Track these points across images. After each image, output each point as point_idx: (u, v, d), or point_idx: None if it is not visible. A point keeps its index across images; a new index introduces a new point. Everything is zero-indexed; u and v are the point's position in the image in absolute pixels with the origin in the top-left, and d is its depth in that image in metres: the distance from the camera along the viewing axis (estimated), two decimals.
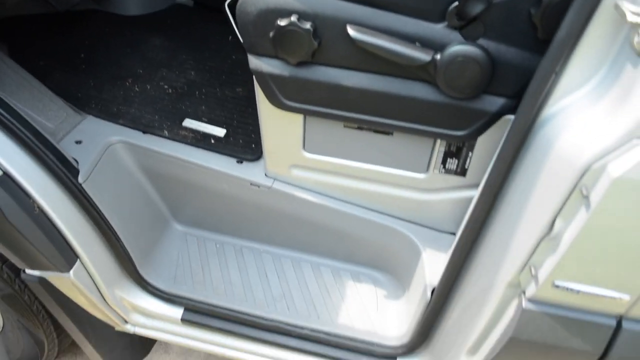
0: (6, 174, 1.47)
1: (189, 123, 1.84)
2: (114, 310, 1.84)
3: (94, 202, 1.63)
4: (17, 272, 1.77)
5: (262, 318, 1.80)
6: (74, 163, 1.62)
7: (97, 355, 1.97)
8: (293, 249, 1.99)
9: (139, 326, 1.93)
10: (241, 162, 1.77)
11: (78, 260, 1.67)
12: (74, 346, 2.45)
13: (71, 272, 1.65)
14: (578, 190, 1.07)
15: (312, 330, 1.78)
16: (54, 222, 1.57)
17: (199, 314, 1.86)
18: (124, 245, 1.75)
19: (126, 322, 1.93)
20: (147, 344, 2.22)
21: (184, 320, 1.86)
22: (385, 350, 1.74)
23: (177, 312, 1.87)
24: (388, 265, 1.91)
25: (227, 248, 2.01)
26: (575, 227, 1.09)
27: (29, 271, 1.68)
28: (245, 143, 1.81)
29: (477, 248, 1.43)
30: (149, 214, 1.94)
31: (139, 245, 1.84)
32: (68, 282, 1.68)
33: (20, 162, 1.49)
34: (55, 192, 1.57)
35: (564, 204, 1.10)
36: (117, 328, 1.95)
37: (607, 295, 1.19)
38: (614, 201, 1.03)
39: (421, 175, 1.63)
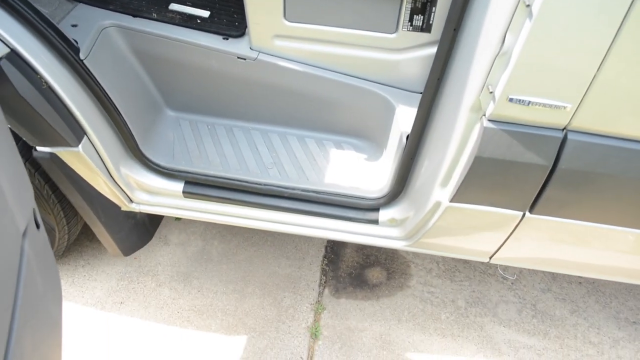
0: (14, 51, 1.60)
1: (175, 7, 1.98)
2: (120, 188, 2.01)
3: (96, 78, 1.77)
4: (28, 156, 1.91)
5: (257, 183, 1.99)
6: (74, 42, 1.75)
7: (107, 235, 2.14)
8: (279, 124, 2.17)
9: (143, 204, 2.11)
10: (227, 39, 1.92)
11: (85, 136, 1.82)
12: (79, 243, 2.63)
13: (80, 146, 1.80)
14: (522, 2, 1.25)
15: (303, 190, 1.98)
16: (61, 97, 1.71)
17: (198, 185, 2.04)
18: (126, 122, 1.90)
19: (132, 201, 2.10)
20: (151, 229, 2.40)
21: (185, 193, 2.04)
22: (369, 202, 1.96)
23: (178, 186, 2.04)
24: (366, 131, 2.11)
25: (219, 128, 2.17)
26: (522, 37, 1.28)
27: (40, 149, 1.83)
28: (229, 22, 1.96)
29: (442, 88, 1.62)
30: (144, 97, 2.08)
31: (138, 125, 1.99)
32: (77, 157, 1.83)
33: (26, 40, 1.61)
34: (59, 69, 1.71)
35: (511, 17, 1.29)
36: (124, 208, 2.12)
37: (552, 104, 1.39)
38: (552, 6, 1.21)
39: (392, 35, 1.80)
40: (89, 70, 1.75)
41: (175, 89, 2.12)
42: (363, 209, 1.98)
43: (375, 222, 1.97)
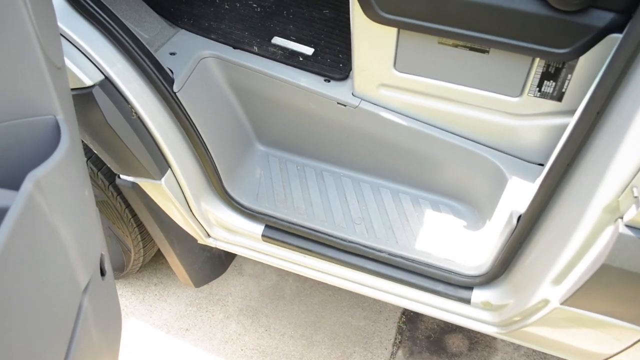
0: (107, 79, 1.53)
1: (277, 41, 1.85)
2: (199, 222, 1.92)
3: (186, 112, 1.68)
4: (111, 179, 1.87)
5: (341, 239, 1.83)
6: (169, 72, 1.67)
7: (180, 266, 2.07)
8: (373, 175, 1.99)
9: (220, 240, 2.01)
10: (329, 81, 1.77)
11: (169, 169, 1.74)
12: (155, 260, 2.59)
13: (163, 179, 1.72)
14: None
15: (390, 254, 1.79)
16: (150, 128, 1.64)
17: (279, 231, 1.90)
18: (212, 158, 1.80)
19: (209, 236, 2.01)
20: (225, 262, 2.31)
21: (264, 237, 1.91)
22: (463, 280, 1.73)
23: (258, 228, 1.92)
24: (470, 196, 1.88)
25: (308, 170, 2.03)
26: None
27: (123, 177, 1.77)
28: (332, 62, 1.80)
29: (571, 174, 1.37)
30: (235, 131, 1.98)
31: (225, 161, 1.89)
32: (159, 189, 1.75)
33: (120, 68, 1.55)
34: (151, 100, 1.63)
35: None
36: (200, 241, 2.03)
37: None
38: None
39: (515, 99, 1.57)
40: (180, 104, 1.67)
41: (268, 125, 2.00)
42: (455, 285, 1.76)
43: (466, 301, 1.75)
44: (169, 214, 1.87)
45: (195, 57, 1.78)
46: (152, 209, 1.84)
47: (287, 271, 2.56)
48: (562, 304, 1.43)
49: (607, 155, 1.21)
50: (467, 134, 1.72)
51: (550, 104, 1.55)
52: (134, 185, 1.76)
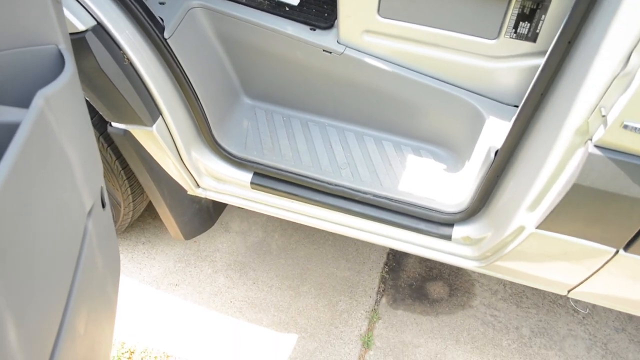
0: (100, 24, 1.57)
1: None
2: (189, 172, 1.97)
3: (177, 59, 1.73)
4: (102, 130, 1.90)
5: (328, 182, 1.91)
6: (160, 20, 1.71)
7: (170, 217, 2.12)
8: (357, 124, 2.07)
9: (210, 190, 2.07)
10: (314, 30, 1.84)
11: (160, 116, 1.79)
12: (142, 220, 2.63)
13: (154, 126, 1.77)
14: None
15: (375, 195, 1.88)
16: (141, 75, 1.68)
17: (267, 178, 1.97)
18: (202, 106, 1.86)
19: (198, 186, 2.06)
20: (214, 215, 2.37)
21: (253, 184, 1.98)
22: (444, 217, 1.83)
23: (247, 176, 1.99)
24: (449, 140, 1.98)
25: (294, 121, 2.10)
26: None
27: (115, 124, 1.81)
28: (318, 12, 1.87)
29: (545, 103, 1.47)
30: (223, 83, 2.04)
31: (214, 111, 1.95)
32: (150, 136, 1.80)
33: (113, 14, 1.58)
34: (142, 46, 1.67)
35: None
36: (190, 192, 2.09)
37: None
38: None
39: (492, 41, 1.67)
40: (171, 50, 1.71)
41: (255, 76, 2.06)
42: (437, 222, 1.86)
43: (447, 237, 1.85)
44: (160, 162, 1.92)
45: (185, 6, 1.82)
46: (144, 158, 1.89)
47: (272, 227, 2.63)
48: (537, 228, 1.54)
49: (577, 81, 1.32)
50: (447, 78, 1.81)
51: (525, 45, 1.65)
52: (126, 133, 1.80)
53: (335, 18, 1.82)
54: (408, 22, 1.70)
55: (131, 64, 1.67)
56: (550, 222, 1.51)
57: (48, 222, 0.87)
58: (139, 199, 2.20)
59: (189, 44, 1.82)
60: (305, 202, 1.96)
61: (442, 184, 1.92)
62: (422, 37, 1.72)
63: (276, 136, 2.04)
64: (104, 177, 2.06)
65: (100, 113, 1.78)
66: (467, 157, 1.90)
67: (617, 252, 1.54)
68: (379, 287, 2.46)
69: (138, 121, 1.76)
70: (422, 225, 1.87)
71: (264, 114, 2.13)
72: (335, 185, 1.90)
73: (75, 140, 1.02)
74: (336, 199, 1.93)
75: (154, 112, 1.76)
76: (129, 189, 2.10)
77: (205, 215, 2.29)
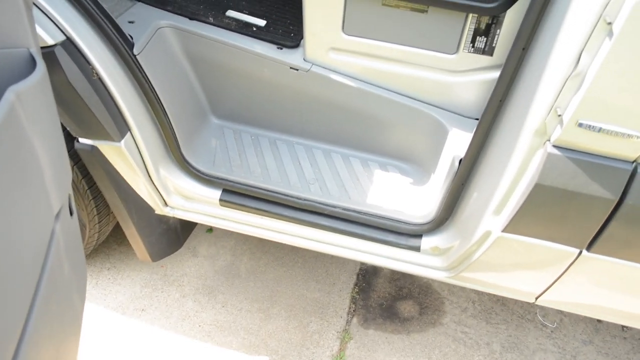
0: (69, 39, 1.59)
1: (232, 14, 1.96)
2: (157, 189, 1.96)
3: (146, 75, 1.75)
4: (70, 146, 1.88)
5: (297, 197, 1.92)
6: (129, 37, 1.74)
7: (137, 237, 2.09)
8: (324, 141, 2.11)
9: (178, 209, 2.05)
10: (281, 48, 1.89)
11: (129, 132, 1.79)
12: (107, 245, 2.58)
13: (122, 141, 1.77)
14: (602, 20, 1.18)
15: (344, 208, 1.90)
16: (110, 90, 1.69)
17: (236, 194, 1.98)
18: (171, 123, 1.87)
19: (166, 204, 2.05)
20: (182, 237, 2.35)
21: (222, 201, 1.98)
22: (412, 228, 1.86)
23: (216, 193, 1.99)
24: (414, 155, 2.03)
25: (262, 139, 2.13)
26: (599, 57, 1.20)
27: (82, 140, 1.80)
28: (284, 32, 1.93)
29: (504, 109, 1.54)
30: (191, 102, 2.06)
31: (182, 129, 1.96)
32: (118, 152, 1.79)
33: (82, 30, 1.60)
34: (112, 62, 1.69)
35: (589, 36, 1.21)
36: (158, 211, 2.07)
37: (624, 132, 1.30)
38: (636, 26, 1.14)
39: (451, 56, 1.74)
40: (140, 66, 1.73)
41: (223, 96, 2.09)
42: (405, 234, 1.89)
43: (416, 249, 1.88)
44: (127, 180, 1.91)
45: (154, 25, 1.85)
46: (112, 175, 1.88)
47: (241, 251, 2.62)
48: (503, 231, 1.58)
49: (534, 84, 1.39)
50: (411, 93, 1.87)
51: (483, 59, 1.73)
52: (94, 149, 1.79)
53: (302, 37, 1.88)
54: (372, 39, 1.77)
55: (100, 79, 1.68)
56: (515, 224, 1.55)
57: (14, 218, 0.86)
58: (105, 220, 2.16)
59: (157, 61, 1.84)
60: (275, 218, 1.97)
61: (410, 197, 1.96)
62: (385, 53, 1.79)
63: (244, 154, 2.06)
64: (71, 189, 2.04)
65: (68, 128, 1.77)
66: (433, 169, 1.95)
67: (580, 252, 1.59)
68: (350, 308, 2.45)
69: (106, 136, 1.76)
70: (390, 238, 1.89)
71: (232, 133, 2.15)
72: (304, 200, 1.92)
73: (45, 139, 1.02)
74: (305, 213, 1.94)
75: (123, 127, 1.76)
76: (94, 209, 2.07)
77: (173, 236, 2.26)
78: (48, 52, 1.59)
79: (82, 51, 1.62)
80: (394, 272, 2.57)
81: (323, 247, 1.98)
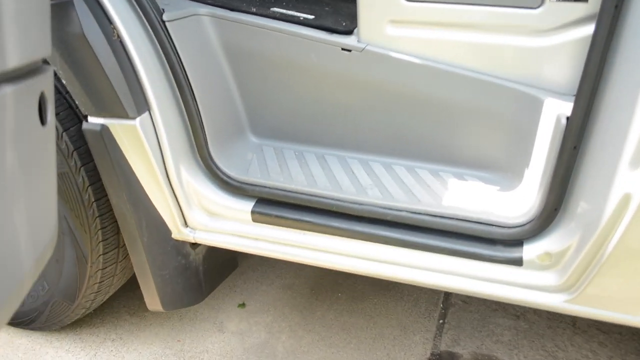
0: None
1: (276, 9, 1.74)
2: (176, 198, 1.58)
3: (175, 47, 1.50)
4: (69, 124, 1.57)
5: (351, 202, 1.49)
6: (160, 7, 1.53)
7: (146, 266, 1.65)
8: (383, 153, 1.71)
9: (200, 229, 1.63)
10: (331, 33, 1.62)
11: (147, 111, 1.49)
12: (122, 311, 2.11)
13: (138, 119, 1.46)
14: None
15: (412, 212, 1.44)
16: (131, 55, 1.45)
17: (272, 204, 1.56)
18: (200, 112, 1.56)
19: (186, 225, 1.64)
20: (204, 286, 1.86)
21: (254, 213, 1.56)
22: (508, 232, 1.37)
23: (248, 205, 1.58)
24: (499, 156, 1.59)
25: (308, 155, 1.75)
26: None
27: (91, 119, 1.49)
28: (335, 22, 1.67)
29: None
30: (226, 103, 1.75)
31: (213, 127, 1.63)
32: (132, 133, 1.47)
33: None
34: (136, 25, 1.47)
35: None
36: (175, 233, 1.65)
37: None
38: None
39: (536, 10, 1.42)
40: (169, 35, 1.49)
41: (263, 100, 1.76)
42: (499, 241, 1.39)
43: (517, 262, 1.36)
44: (140, 179, 1.54)
45: (190, 10, 1.64)
46: (122, 168, 1.52)
47: (279, 328, 2.07)
48: None
49: None
50: (487, 68, 1.51)
51: (575, 8, 1.39)
52: (103, 130, 1.48)
53: (355, 27, 1.62)
54: (438, 2, 1.48)
55: (121, 41, 1.44)
56: None
57: None
58: (112, 252, 1.74)
59: (190, 42, 1.60)
60: (321, 232, 1.52)
61: (499, 197, 1.49)
62: (455, 18, 1.48)
63: (286, 164, 1.68)
64: (72, 210, 1.67)
65: (77, 101, 1.48)
66: (526, 165, 1.49)
67: None
68: None
69: (120, 112, 1.46)
70: (478, 248, 1.39)
71: (272, 150, 1.79)
72: (360, 204, 1.48)
73: None
74: (361, 224, 1.49)
75: (141, 103, 1.47)
76: (99, 232, 1.67)
77: (193, 280, 1.79)
78: (65, 1, 1.39)
79: (104, 6, 1.41)
80: (476, 357, 1.94)
81: (382, 269, 1.48)
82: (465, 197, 1.51)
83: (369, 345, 1.99)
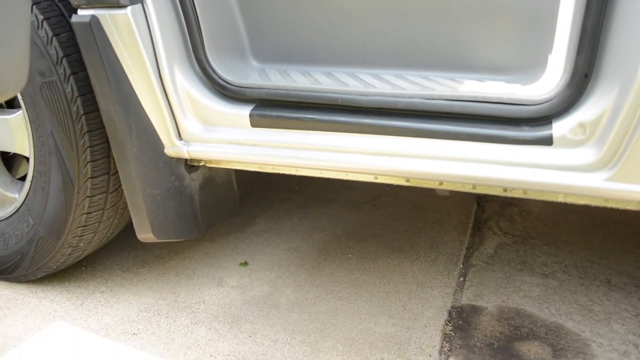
0: None
1: None
2: (169, 102, 1.46)
3: None
4: (67, 51, 1.49)
5: (359, 94, 1.35)
6: None
7: (135, 182, 1.50)
8: (394, 66, 1.58)
9: (194, 141, 1.50)
10: None
11: (140, 2, 1.40)
12: (115, 268, 1.95)
13: (129, 7, 1.37)
14: None
15: (426, 97, 1.30)
16: None
17: (272, 106, 1.43)
18: (197, 10, 1.46)
19: (180, 137, 1.51)
20: (200, 219, 1.70)
21: (253, 117, 1.43)
22: (535, 108, 1.21)
23: (246, 110, 1.45)
24: (521, 49, 1.45)
25: (314, 72, 1.63)
26: None
27: (81, 12, 1.40)
28: None
29: None
30: (226, 19, 1.65)
31: (211, 30, 1.52)
32: (124, 23, 1.37)
33: None
34: None
35: None
36: (168, 148, 1.52)
37: None
38: None
39: None
40: None
41: (265, 25, 1.66)
42: (523, 120, 1.23)
43: (546, 141, 1.19)
44: (131, 78, 1.43)
45: None
46: (111, 65, 1.41)
47: (283, 283, 1.88)
48: None
49: None
50: None
51: None
52: (92, 21, 1.38)
53: None
54: None
55: None
56: None
57: None
58: (101, 179, 1.60)
59: None
60: (326, 129, 1.38)
61: (522, 82, 1.34)
62: None
63: (288, 75, 1.56)
64: (59, 125, 1.55)
65: None
66: (548, 44, 1.34)
67: None
68: (442, 347, 1.58)
69: (110, 0, 1.36)
70: (502, 130, 1.23)
71: (276, 71, 1.67)
72: (368, 95, 1.35)
73: None
74: (370, 116, 1.35)
75: None
76: (88, 151, 1.55)
77: (188, 208, 1.63)
78: None
79: None
80: (502, 310, 1.73)
81: (397, 165, 1.32)
82: (485, 83, 1.36)
83: (382, 299, 1.79)
